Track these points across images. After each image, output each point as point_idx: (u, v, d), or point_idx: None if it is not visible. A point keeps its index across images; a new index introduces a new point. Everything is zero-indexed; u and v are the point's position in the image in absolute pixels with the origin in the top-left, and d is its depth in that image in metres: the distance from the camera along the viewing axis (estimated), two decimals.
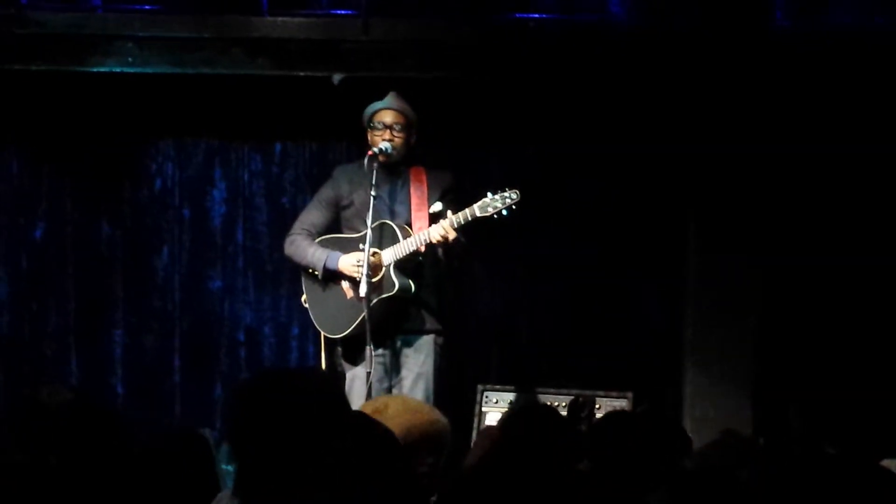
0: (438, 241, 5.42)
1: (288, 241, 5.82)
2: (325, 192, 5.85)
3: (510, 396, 6.10)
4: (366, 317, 5.38)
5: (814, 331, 6.59)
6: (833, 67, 6.30)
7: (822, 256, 6.52)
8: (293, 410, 2.81)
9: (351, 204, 5.73)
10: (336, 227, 5.80)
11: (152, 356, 6.90)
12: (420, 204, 5.63)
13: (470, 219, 5.38)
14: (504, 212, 5.35)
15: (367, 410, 3.63)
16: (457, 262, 5.69)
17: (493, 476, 3.14)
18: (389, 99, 5.71)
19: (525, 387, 6.12)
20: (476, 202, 5.39)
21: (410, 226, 5.60)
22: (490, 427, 3.77)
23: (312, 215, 5.82)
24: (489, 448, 3.60)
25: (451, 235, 5.40)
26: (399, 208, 5.67)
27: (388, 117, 5.66)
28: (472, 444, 5.81)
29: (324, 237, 5.76)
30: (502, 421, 3.34)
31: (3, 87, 6.59)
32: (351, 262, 5.56)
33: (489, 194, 5.37)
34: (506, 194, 5.36)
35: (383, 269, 5.51)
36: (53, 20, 6.31)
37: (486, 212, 5.36)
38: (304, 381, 2.90)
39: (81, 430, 3.32)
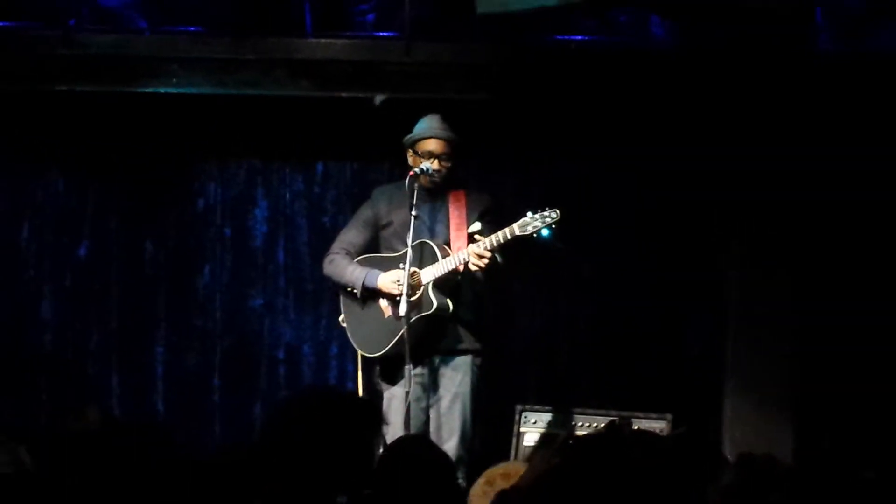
0: (476, 261, 5.42)
1: (327, 260, 5.84)
2: (364, 213, 5.87)
3: (549, 417, 6.08)
4: (405, 336, 5.39)
5: (856, 356, 6.52)
6: (878, 92, 6.25)
7: (864, 281, 6.47)
8: (328, 428, 2.83)
9: (390, 224, 5.74)
10: (374, 247, 5.81)
11: (193, 374, 6.93)
12: (459, 224, 5.64)
13: (510, 237, 5.38)
14: (544, 231, 5.34)
15: (498, 472, 3.70)
16: (492, 283, 5.68)
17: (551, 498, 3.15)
18: (434, 126, 5.69)
19: (564, 407, 6.09)
20: (516, 221, 5.39)
21: (449, 246, 5.61)
22: (544, 450, 3.78)
23: (351, 235, 5.84)
24: (545, 471, 3.58)
25: (486, 256, 5.40)
26: (438, 228, 5.68)
27: (434, 146, 5.65)
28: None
29: (362, 257, 5.77)
30: (568, 446, 3.33)
31: (50, 108, 6.67)
32: (390, 280, 5.57)
33: (529, 213, 5.37)
34: (546, 213, 5.35)
35: (422, 287, 5.52)
36: (99, 42, 6.37)
37: (526, 231, 5.36)
38: (341, 402, 2.93)
39: (112, 452, 3.33)
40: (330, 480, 2.87)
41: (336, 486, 2.92)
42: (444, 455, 3.41)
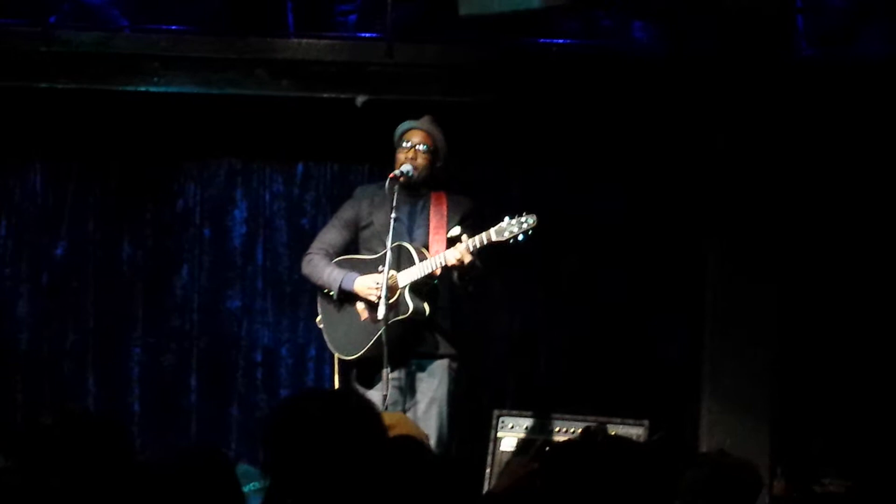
0: (454, 265, 5.39)
1: (305, 260, 5.81)
2: (345, 212, 5.83)
3: (526, 422, 6.05)
4: (383, 339, 5.36)
5: (833, 361, 6.53)
6: (859, 97, 6.26)
7: (844, 287, 6.47)
8: (332, 432, 2.82)
9: (370, 224, 5.71)
10: (354, 248, 5.78)
11: (169, 375, 6.90)
12: (438, 228, 5.61)
13: (486, 243, 5.34)
14: (520, 237, 5.30)
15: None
16: (471, 287, 5.65)
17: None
18: (423, 120, 5.69)
19: (541, 413, 6.06)
20: (493, 226, 5.36)
21: (427, 249, 5.57)
22: (522, 456, 3.78)
23: (331, 235, 5.81)
24: (523, 476, 3.59)
25: (467, 259, 5.37)
26: (417, 231, 5.65)
27: (415, 137, 5.64)
28: (491, 469, 5.81)
29: (341, 258, 5.74)
30: (557, 451, 3.34)
31: (29, 105, 6.63)
32: (366, 284, 5.54)
33: (506, 219, 5.33)
34: (522, 219, 5.31)
35: (398, 291, 5.48)
36: (80, 39, 6.34)
37: (503, 236, 5.32)
38: (343, 403, 2.91)
39: (86, 450, 3.29)
40: (338, 482, 2.84)
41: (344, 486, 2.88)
42: (438, 457, 3.40)
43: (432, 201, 5.68)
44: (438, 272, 5.46)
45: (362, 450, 2.84)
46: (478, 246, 5.36)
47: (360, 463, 2.83)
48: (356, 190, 5.93)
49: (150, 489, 3.11)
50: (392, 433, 3.33)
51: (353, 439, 2.82)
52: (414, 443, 3.41)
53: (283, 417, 2.90)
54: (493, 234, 5.33)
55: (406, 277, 5.49)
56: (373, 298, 5.47)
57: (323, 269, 5.69)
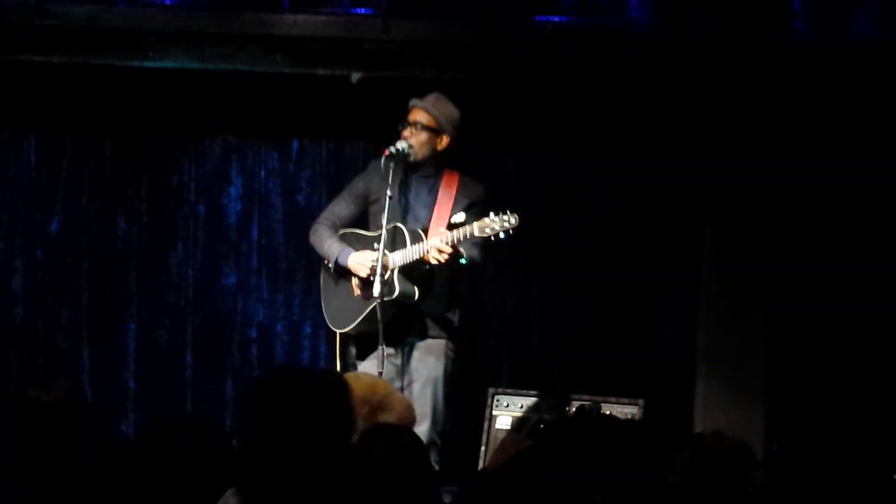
0: (434, 256, 5.37)
1: (312, 228, 5.77)
2: (357, 185, 5.78)
3: (521, 400, 6.06)
4: (378, 316, 5.34)
5: (828, 342, 6.55)
6: (853, 79, 6.25)
7: (839, 268, 6.48)
8: (303, 410, 2.82)
9: (378, 200, 5.61)
10: (363, 221, 5.73)
11: (164, 351, 6.91)
12: (443, 211, 5.55)
13: (468, 237, 5.30)
14: (501, 234, 5.23)
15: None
16: (463, 276, 5.64)
17: (521, 480, 3.17)
18: (427, 98, 5.63)
19: (536, 391, 6.08)
20: (477, 220, 5.29)
21: (427, 231, 5.54)
22: (516, 434, 3.80)
23: (340, 207, 5.77)
24: (517, 453, 3.61)
25: (448, 251, 5.34)
26: (421, 212, 5.60)
27: (413, 115, 5.59)
28: (486, 447, 5.83)
29: (345, 230, 5.71)
30: (548, 429, 3.36)
31: (23, 79, 6.60)
32: (358, 261, 5.52)
33: (491, 214, 5.26)
34: (505, 217, 5.22)
35: (388, 272, 5.46)
36: (74, 13, 6.32)
37: (485, 233, 5.25)
38: (316, 381, 2.91)
39: (76, 425, 3.30)
40: (308, 464, 2.84)
41: (314, 469, 2.89)
42: (417, 438, 3.41)
43: (443, 182, 5.62)
44: (428, 258, 5.42)
45: (330, 429, 2.84)
46: (460, 239, 5.30)
47: (328, 442, 2.84)
48: (370, 163, 5.85)
49: (150, 462, 3.12)
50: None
51: (321, 419, 2.82)
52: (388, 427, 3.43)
53: (254, 395, 2.91)
54: (475, 228, 5.26)
55: (397, 259, 5.46)
56: (363, 275, 5.47)
57: (325, 241, 5.67)
